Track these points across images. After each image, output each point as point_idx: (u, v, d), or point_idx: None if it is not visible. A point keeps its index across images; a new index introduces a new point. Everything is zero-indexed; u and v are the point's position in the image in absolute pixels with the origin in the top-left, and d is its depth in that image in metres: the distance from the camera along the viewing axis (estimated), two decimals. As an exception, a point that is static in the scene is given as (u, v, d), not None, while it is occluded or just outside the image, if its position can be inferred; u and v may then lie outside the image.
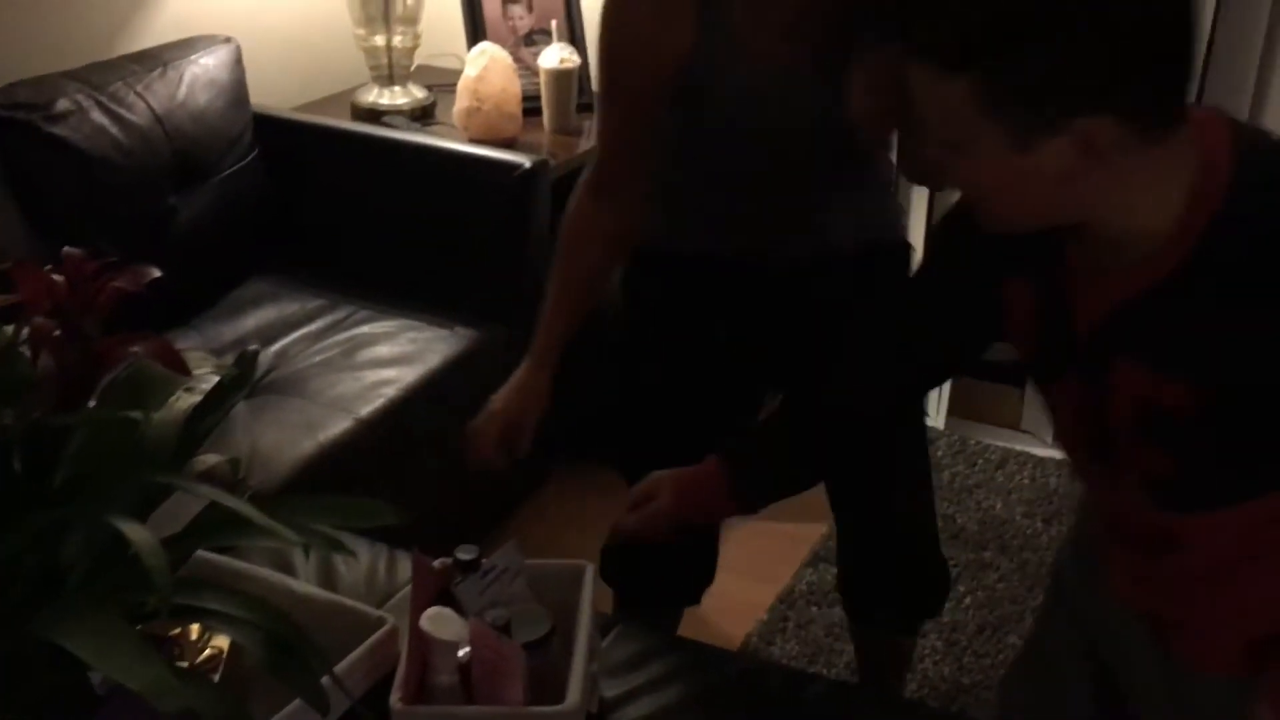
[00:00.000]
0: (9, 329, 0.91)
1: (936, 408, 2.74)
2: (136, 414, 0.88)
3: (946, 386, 2.69)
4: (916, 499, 1.67)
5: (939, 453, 2.62)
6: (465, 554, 1.16)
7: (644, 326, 1.66)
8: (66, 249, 0.91)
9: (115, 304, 0.92)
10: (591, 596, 1.21)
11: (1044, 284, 1.07)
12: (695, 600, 1.77)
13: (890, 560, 1.70)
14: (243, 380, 1.07)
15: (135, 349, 0.91)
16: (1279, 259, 0.93)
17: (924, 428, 1.70)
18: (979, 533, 2.39)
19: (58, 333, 0.89)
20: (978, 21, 0.90)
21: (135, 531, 0.79)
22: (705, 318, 1.59)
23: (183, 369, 0.92)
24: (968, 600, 2.21)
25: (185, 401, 1.02)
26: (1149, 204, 0.96)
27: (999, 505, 2.48)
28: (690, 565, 1.72)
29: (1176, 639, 1.16)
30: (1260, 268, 0.94)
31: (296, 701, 0.98)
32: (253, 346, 1.12)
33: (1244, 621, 1.11)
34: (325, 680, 0.90)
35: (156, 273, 0.93)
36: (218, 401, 1.05)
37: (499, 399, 1.56)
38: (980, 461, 2.61)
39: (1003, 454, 2.63)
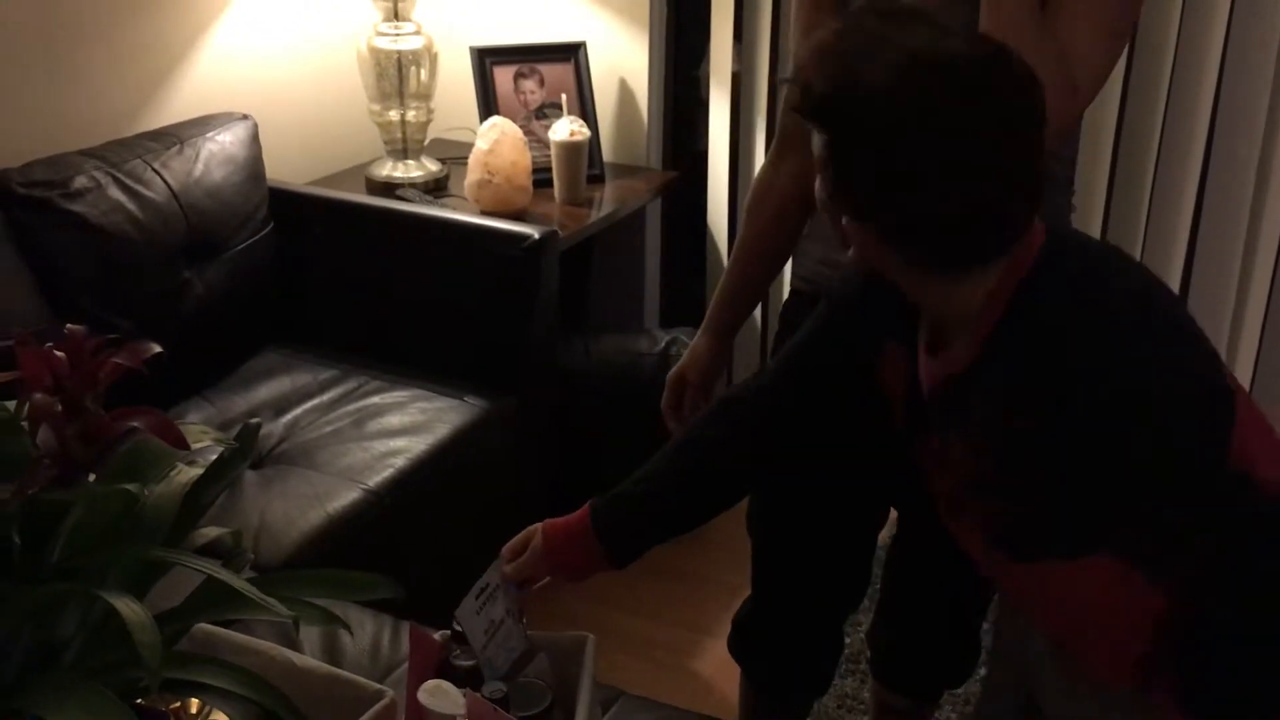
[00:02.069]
0: (10, 405, 0.92)
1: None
2: (133, 487, 0.89)
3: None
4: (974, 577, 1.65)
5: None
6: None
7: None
8: (68, 326, 0.93)
9: (116, 380, 0.93)
10: (592, 668, 1.20)
11: (908, 351, 1.21)
12: (823, 690, 1.74)
13: (935, 634, 1.69)
14: (243, 453, 1.08)
15: (135, 424, 0.92)
16: (1050, 360, 1.06)
17: None
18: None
19: (58, 408, 0.90)
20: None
21: (127, 607, 0.80)
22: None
23: (181, 443, 0.93)
24: (983, 670, 2.18)
25: (186, 475, 1.04)
26: (965, 301, 1.11)
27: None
28: (820, 653, 1.69)
29: (1076, 657, 1.22)
30: (1035, 365, 1.07)
31: (290, 777, 0.98)
32: (254, 419, 1.13)
33: (1120, 644, 1.17)
34: (318, 756, 0.90)
35: (156, 349, 0.95)
36: (218, 474, 1.06)
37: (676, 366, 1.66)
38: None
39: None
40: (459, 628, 1.16)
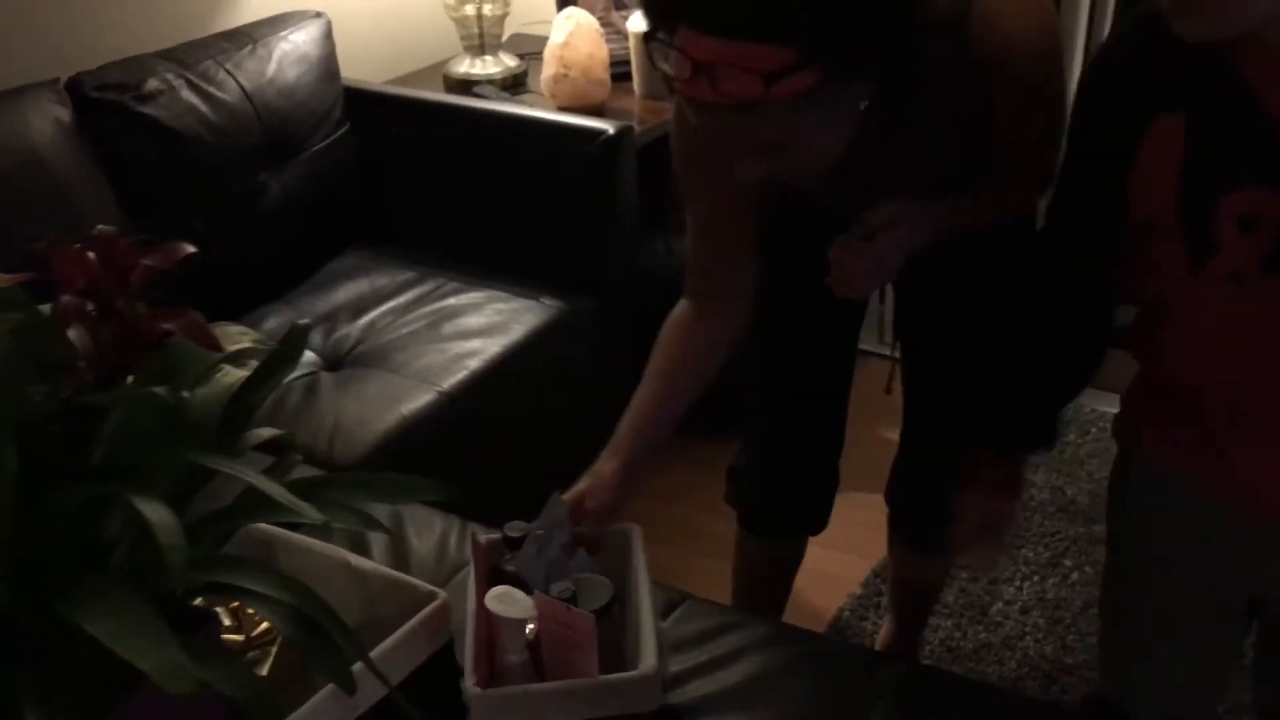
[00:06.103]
0: (46, 308, 0.91)
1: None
2: (162, 390, 0.88)
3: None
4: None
5: (1050, 421, 2.52)
6: (514, 531, 1.14)
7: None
8: (98, 226, 0.91)
9: (148, 281, 0.91)
10: (644, 557, 1.19)
11: (1207, 108, 1.07)
12: (817, 529, 1.79)
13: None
14: (291, 356, 1.06)
15: (169, 326, 0.90)
16: None
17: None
18: (1089, 505, 2.29)
19: (90, 310, 0.89)
20: None
21: (152, 510, 0.78)
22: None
23: (214, 345, 0.91)
24: (1074, 576, 2.11)
25: (233, 377, 1.02)
26: None
27: (1113, 476, 2.36)
28: (811, 490, 1.75)
29: None
30: None
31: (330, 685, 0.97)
32: (303, 320, 1.12)
33: None
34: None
35: (190, 249, 0.92)
36: (267, 376, 1.04)
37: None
38: (1093, 430, 2.49)
39: (1119, 422, 2.51)
40: (510, 534, 1.14)
